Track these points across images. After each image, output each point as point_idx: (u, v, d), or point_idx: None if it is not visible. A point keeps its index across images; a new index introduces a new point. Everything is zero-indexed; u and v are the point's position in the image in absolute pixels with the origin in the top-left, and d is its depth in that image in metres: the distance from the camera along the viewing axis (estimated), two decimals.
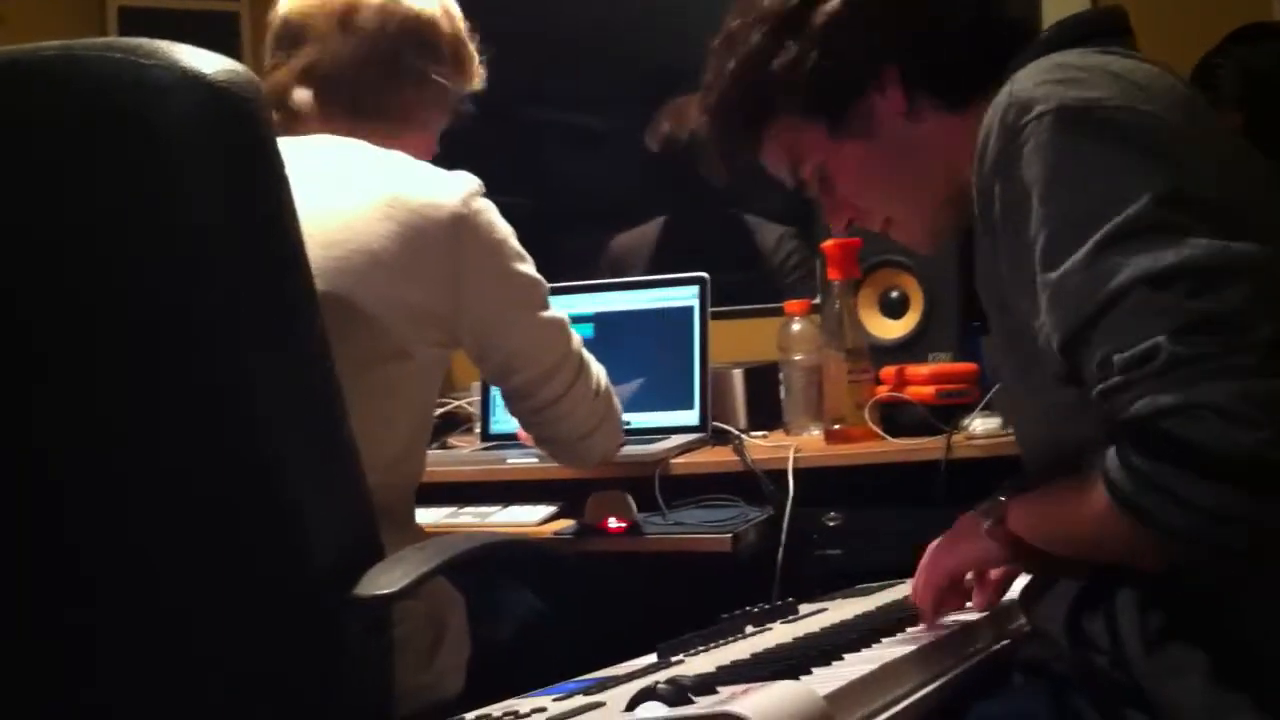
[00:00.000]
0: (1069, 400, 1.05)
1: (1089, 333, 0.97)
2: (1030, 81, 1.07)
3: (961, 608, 1.30)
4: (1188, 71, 2.12)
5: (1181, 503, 0.91)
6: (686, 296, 2.15)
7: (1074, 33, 1.19)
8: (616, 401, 1.73)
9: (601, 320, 2.19)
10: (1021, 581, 1.28)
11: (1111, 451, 0.96)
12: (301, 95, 1.56)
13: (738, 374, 2.18)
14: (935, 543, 1.29)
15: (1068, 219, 1.00)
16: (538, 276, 1.58)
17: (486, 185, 1.54)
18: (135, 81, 1.11)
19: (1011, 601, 1.30)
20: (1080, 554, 1.08)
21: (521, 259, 1.56)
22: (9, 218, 1.17)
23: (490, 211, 1.52)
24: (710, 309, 2.14)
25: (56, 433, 1.20)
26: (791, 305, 2.11)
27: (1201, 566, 0.99)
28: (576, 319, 2.13)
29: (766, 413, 2.15)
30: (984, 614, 1.29)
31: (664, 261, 2.79)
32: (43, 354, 1.19)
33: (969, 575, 1.31)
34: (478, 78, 1.70)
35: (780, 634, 1.24)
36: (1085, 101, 1.03)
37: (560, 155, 3.29)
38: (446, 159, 1.62)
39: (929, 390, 1.93)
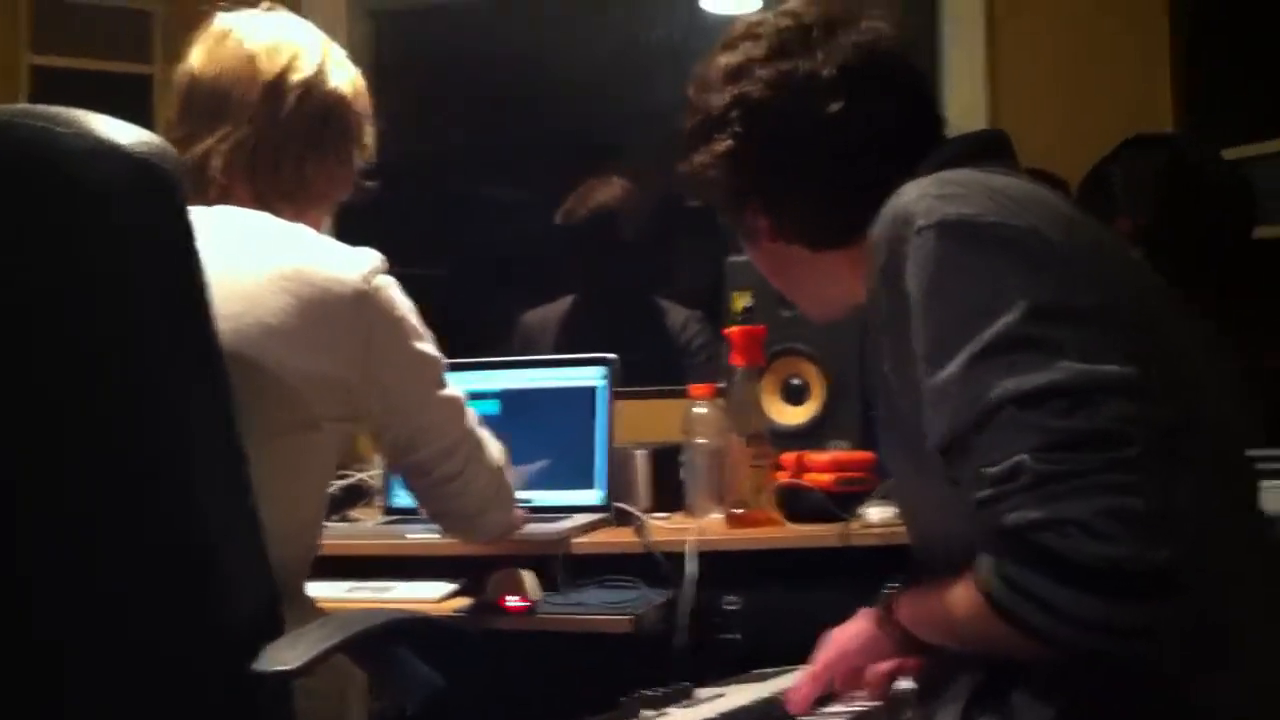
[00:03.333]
0: (953, 496, 1.09)
1: (964, 443, 1.02)
2: (913, 196, 1.13)
3: (855, 696, 1.33)
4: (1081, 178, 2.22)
5: (1048, 608, 0.97)
6: (593, 376, 2.18)
7: (958, 152, 1.25)
8: (513, 478, 1.75)
9: (508, 397, 2.20)
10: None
11: (985, 558, 1.02)
12: (215, 166, 1.56)
13: (642, 455, 2.20)
14: (832, 631, 1.32)
15: (945, 329, 1.05)
16: (437, 354, 1.59)
17: (399, 256, 1.55)
18: (52, 150, 1.11)
19: (907, 692, 1.32)
20: (963, 646, 1.12)
21: (421, 336, 1.57)
22: None
23: (392, 288, 1.52)
24: (616, 389, 2.16)
25: None
26: (696, 388, 2.14)
27: (1081, 664, 1.03)
28: (483, 395, 2.16)
29: (669, 494, 2.17)
30: (877, 704, 1.31)
31: (572, 339, 2.82)
32: None
33: (869, 666, 1.33)
34: (373, 149, 1.72)
35: (676, 718, 1.25)
36: (962, 217, 1.08)
37: (475, 229, 3.32)
38: (355, 229, 1.63)
39: (828, 477, 1.97)
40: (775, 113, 1.29)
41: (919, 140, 1.28)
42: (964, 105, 2.87)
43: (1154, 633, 0.96)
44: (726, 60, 1.33)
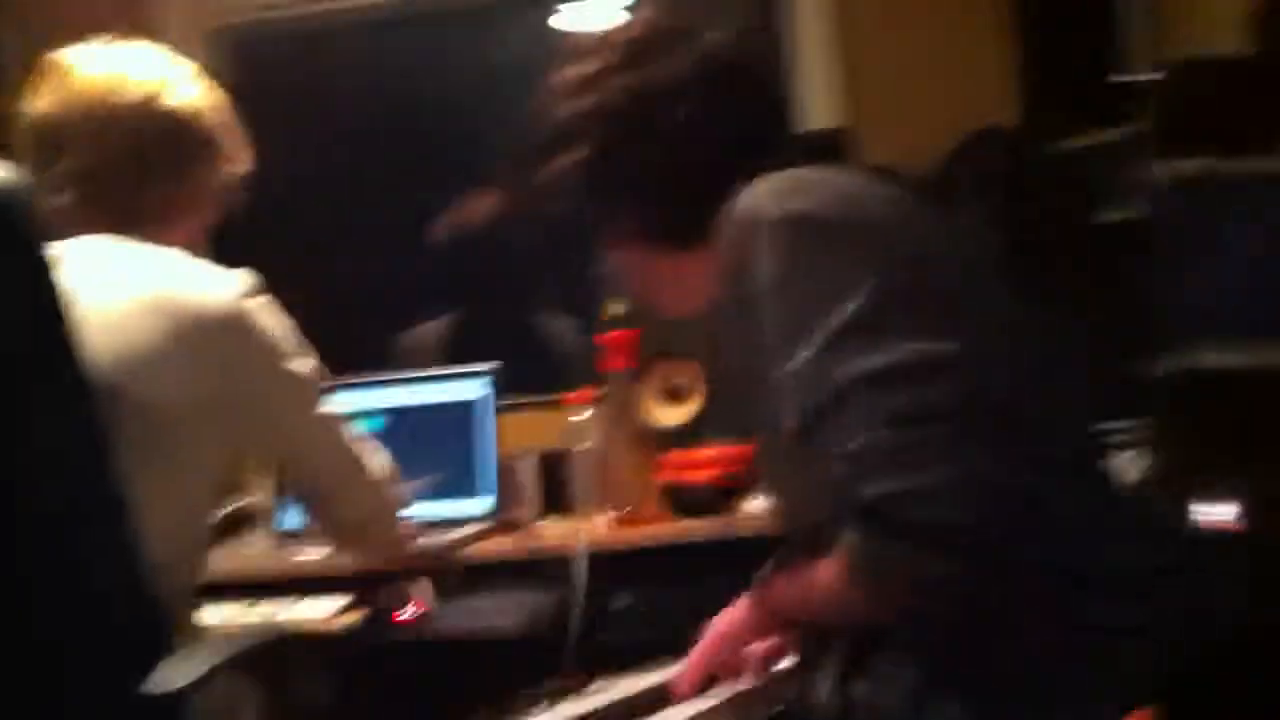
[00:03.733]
0: (811, 477, 1.14)
1: (819, 424, 1.08)
2: (758, 194, 1.18)
3: (738, 678, 1.38)
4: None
5: (907, 575, 1.04)
6: (476, 388, 2.20)
7: (800, 151, 1.31)
8: (398, 492, 1.76)
9: (393, 414, 2.22)
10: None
11: (847, 532, 1.07)
12: (66, 200, 1.55)
13: (529, 463, 2.23)
14: (714, 619, 1.37)
15: (793, 319, 1.11)
16: (311, 374, 1.59)
17: (277, 278, 1.56)
18: None
19: (785, 671, 1.38)
20: (833, 619, 1.18)
21: (296, 357, 1.57)
22: None
23: (264, 310, 1.52)
24: (500, 400, 2.19)
25: None
26: (576, 395, 2.18)
27: (938, 625, 1.10)
28: (367, 413, 2.17)
29: (557, 500, 2.21)
30: (757, 685, 1.36)
31: (454, 354, 2.84)
32: None
33: (747, 649, 1.38)
34: (245, 162, 1.71)
35: (567, 710, 1.29)
36: (804, 212, 1.14)
37: (353, 249, 3.32)
38: (234, 249, 1.62)
39: (711, 472, 2.02)
40: (629, 118, 1.33)
41: (770, 141, 1.34)
42: (819, 105, 2.95)
43: (997, 589, 1.03)
44: (579, 71, 1.37)
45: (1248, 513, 0.91)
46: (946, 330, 1.08)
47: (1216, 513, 0.90)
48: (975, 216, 2.13)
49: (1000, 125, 2.47)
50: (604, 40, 1.38)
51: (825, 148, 1.34)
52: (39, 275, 1.16)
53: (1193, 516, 1.08)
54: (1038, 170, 2.20)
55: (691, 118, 1.31)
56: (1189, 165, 0.41)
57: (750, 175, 1.24)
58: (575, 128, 1.35)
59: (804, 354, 1.09)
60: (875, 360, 1.06)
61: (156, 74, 1.61)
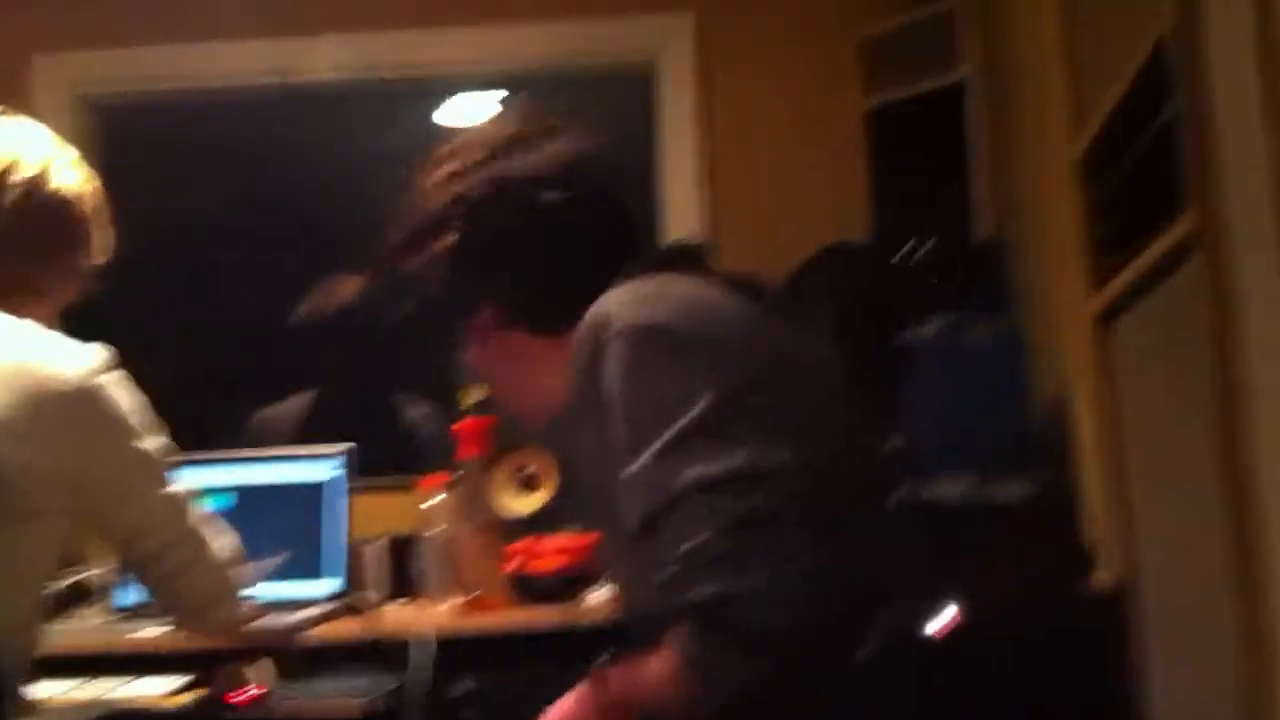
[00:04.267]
0: (651, 573, 1.21)
1: (655, 524, 1.16)
2: (611, 302, 1.27)
3: None
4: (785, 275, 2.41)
5: (730, 671, 1.10)
6: (330, 468, 2.22)
7: (658, 258, 1.40)
8: (241, 572, 1.76)
9: (244, 492, 2.22)
10: None
11: (678, 630, 1.14)
12: None
13: (378, 545, 2.25)
14: (549, 708, 1.41)
15: (637, 424, 1.19)
16: (161, 451, 1.60)
17: (134, 348, 1.57)
18: None
19: None
20: (668, 709, 1.24)
21: (146, 434, 1.58)
22: None
23: (116, 385, 1.54)
24: (353, 482, 2.21)
25: None
26: (428, 480, 2.21)
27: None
28: (218, 490, 2.17)
29: (405, 583, 2.23)
30: None
31: (310, 434, 2.84)
32: None
33: None
34: (110, 250, 1.73)
35: None
36: (652, 322, 1.23)
37: (209, 326, 3.30)
38: (92, 322, 1.63)
39: (558, 561, 2.07)
40: (492, 208, 1.41)
41: (624, 240, 1.43)
42: (680, 211, 3.07)
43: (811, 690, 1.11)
44: (447, 166, 1.45)
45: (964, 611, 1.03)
46: (776, 438, 1.16)
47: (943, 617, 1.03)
48: (821, 326, 2.24)
49: (850, 241, 2.61)
50: (472, 137, 1.46)
51: (681, 256, 1.43)
52: None
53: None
54: (880, 284, 2.32)
55: (552, 207, 1.40)
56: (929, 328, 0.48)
57: (608, 272, 1.33)
58: (443, 216, 1.42)
59: (644, 458, 1.16)
60: (708, 468, 1.13)
61: (43, 155, 1.63)
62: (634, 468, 1.17)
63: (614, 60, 3.22)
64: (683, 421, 1.16)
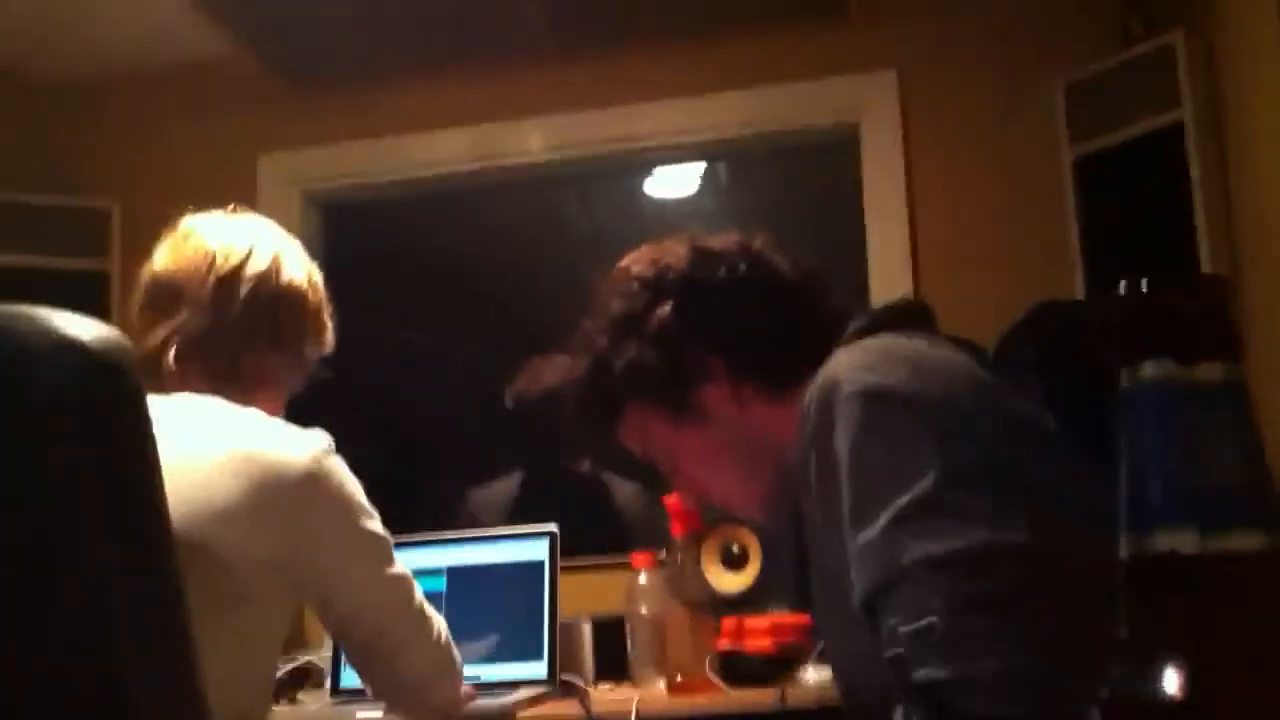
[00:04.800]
0: (876, 649, 1.16)
1: (881, 601, 1.11)
2: (842, 364, 1.23)
3: None
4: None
5: None
6: (537, 549, 2.23)
7: (884, 321, 1.36)
8: (456, 653, 1.78)
9: (454, 573, 2.25)
10: None
11: (899, 710, 1.09)
12: (170, 355, 1.62)
13: (586, 626, 2.25)
14: None
15: (866, 493, 1.14)
16: (383, 533, 1.64)
17: (348, 435, 1.62)
18: (13, 347, 1.17)
19: None
20: None
21: (368, 515, 1.62)
22: None
23: (339, 469, 1.58)
24: (561, 562, 2.22)
25: None
26: (637, 559, 2.20)
27: None
28: (429, 572, 2.20)
29: (614, 664, 2.21)
30: None
31: (520, 514, 2.87)
32: None
33: None
34: (330, 343, 1.80)
35: None
36: (883, 386, 1.18)
37: (423, 409, 3.39)
38: (310, 409, 1.69)
39: (767, 642, 2.02)
40: (700, 275, 1.42)
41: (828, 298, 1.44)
42: (886, 272, 3.01)
43: None
44: (643, 251, 1.46)
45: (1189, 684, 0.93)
46: (1011, 511, 1.10)
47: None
48: (1036, 391, 2.14)
49: (1063, 299, 2.51)
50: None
51: (909, 316, 1.40)
52: (136, 435, 1.22)
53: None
54: (1097, 341, 2.21)
55: (749, 272, 1.42)
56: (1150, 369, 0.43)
57: (828, 326, 1.31)
58: (655, 285, 1.42)
59: (874, 529, 1.11)
60: (937, 546, 1.08)
61: (274, 248, 1.71)
62: (860, 540, 1.12)
63: (817, 124, 3.21)
64: (914, 492, 1.11)
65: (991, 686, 1.02)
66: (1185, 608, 0.53)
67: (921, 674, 1.05)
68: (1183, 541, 0.52)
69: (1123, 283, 0.56)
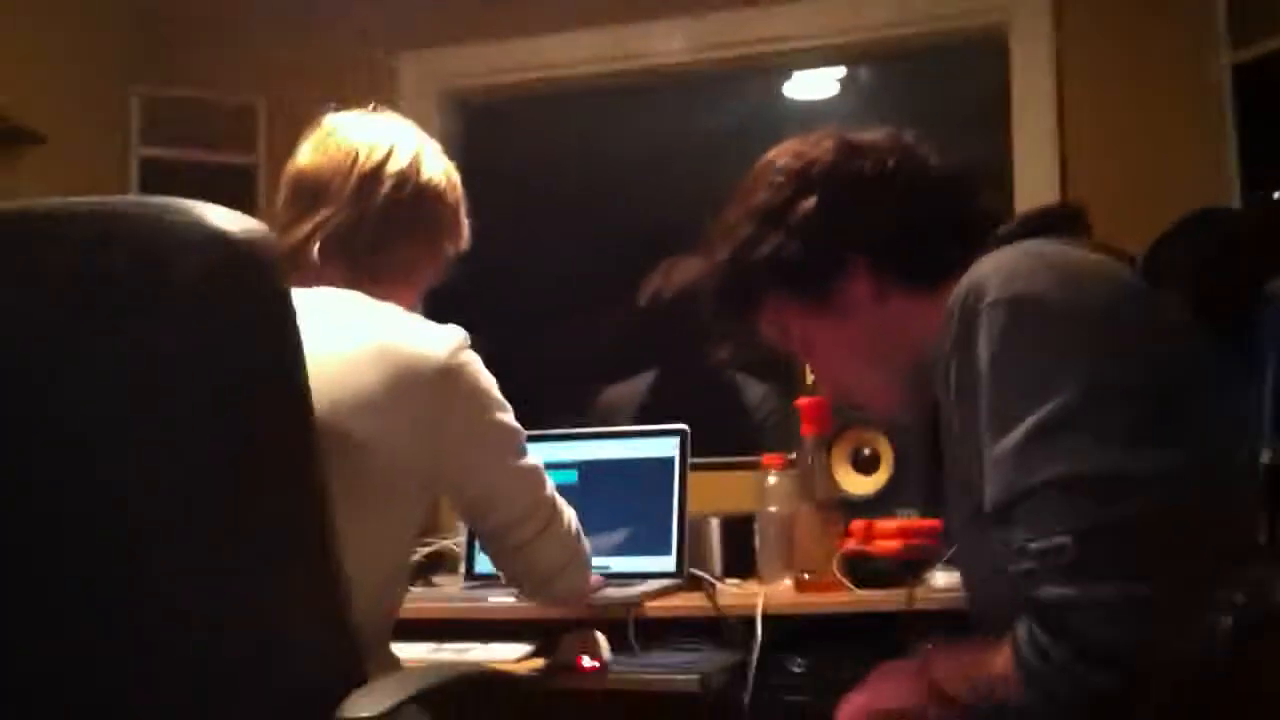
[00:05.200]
0: (1004, 556, 1.15)
1: (1011, 513, 1.10)
2: (988, 270, 1.20)
3: None
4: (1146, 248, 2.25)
5: (1066, 677, 1.05)
6: (667, 447, 2.26)
7: (1035, 225, 1.33)
8: (586, 545, 1.82)
9: (585, 467, 2.29)
10: None
11: (1021, 624, 1.09)
12: (313, 250, 1.67)
13: (715, 523, 2.27)
14: (855, 689, 1.38)
15: (1005, 403, 1.13)
16: (516, 425, 1.68)
17: (486, 334, 1.65)
18: (165, 238, 1.22)
19: None
20: (985, 702, 1.18)
21: (502, 408, 1.65)
22: (37, 359, 1.27)
23: (475, 364, 1.62)
24: (691, 460, 2.24)
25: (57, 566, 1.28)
26: (768, 459, 2.20)
27: None
28: (562, 465, 2.24)
29: (741, 561, 2.23)
30: None
31: (652, 413, 2.90)
32: (58, 489, 1.27)
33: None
34: (467, 239, 1.83)
35: None
36: (1030, 294, 1.16)
37: (559, 307, 3.43)
38: (446, 305, 1.73)
39: (895, 544, 2.02)
40: (846, 169, 1.41)
41: (976, 196, 1.43)
42: (1034, 182, 2.93)
43: (1154, 704, 1.03)
44: (786, 144, 1.45)
45: None
46: (1153, 432, 1.08)
47: None
48: (1190, 301, 2.07)
49: (1218, 208, 2.42)
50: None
51: (1062, 221, 1.36)
52: (279, 321, 1.26)
53: None
54: (1251, 248, 2.13)
55: (897, 167, 1.41)
56: None
57: (977, 225, 1.28)
58: (800, 179, 1.41)
59: (1010, 441, 1.11)
60: (1071, 466, 1.07)
61: (414, 146, 1.74)
62: (995, 451, 1.12)
63: (964, 26, 3.11)
64: (1052, 406, 1.10)
65: (1114, 611, 1.03)
66: None
67: (1046, 592, 1.06)
68: None
69: (1267, 187, 0.54)
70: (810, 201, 1.41)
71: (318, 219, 1.68)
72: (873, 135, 1.45)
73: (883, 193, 1.40)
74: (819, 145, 1.44)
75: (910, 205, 1.40)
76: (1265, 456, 0.50)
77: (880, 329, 1.42)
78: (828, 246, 1.40)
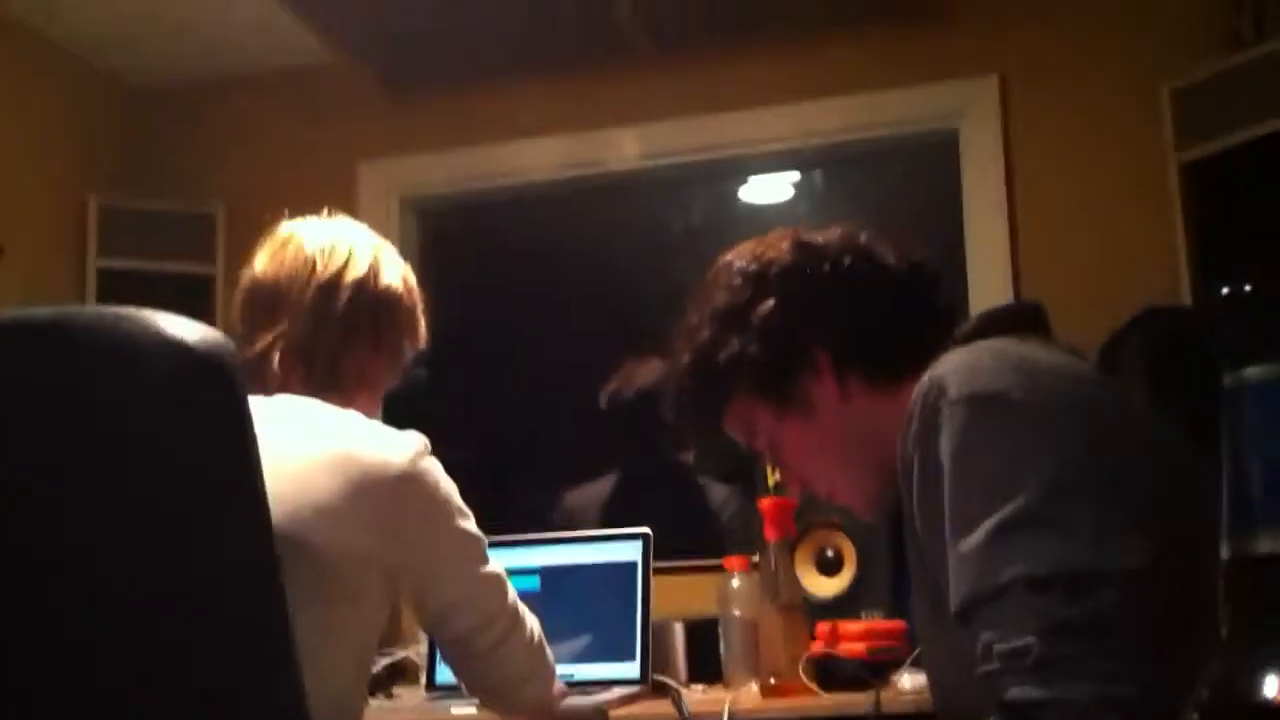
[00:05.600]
0: (970, 656, 1.14)
1: (977, 614, 1.09)
2: (949, 367, 1.21)
3: None
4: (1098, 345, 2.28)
5: None
6: (630, 551, 2.24)
7: (995, 324, 1.34)
8: (549, 653, 1.79)
9: (547, 573, 2.26)
10: None
11: None
12: (274, 360, 1.66)
13: (679, 627, 2.25)
14: None
15: (968, 501, 1.13)
16: (478, 532, 1.66)
17: (443, 436, 1.64)
18: (123, 348, 1.21)
19: None
20: None
21: (463, 515, 1.64)
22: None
23: (435, 470, 1.60)
24: (654, 564, 2.22)
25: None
26: (731, 561, 2.19)
27: None
28: (523, 571, 2.22)
29: (707, 666, 2.21)
30: None
31: (614, 516, 2.89)
32: (41, 588, 1.24)
33: None
34: (424, 340, 1.82)
35: None
36: (990, 392, 1.16)
37: (516, 413, 3.43)
38: (406, 410, 1.72)
39: (861, 646, 2.00)
40: (803, 268, 1.43)
41: (934, 295, 1.44)
42: (987, 281, 2.97)
43: None
44: (744, 246, 1.46)
45: None
46: (1118, 527, 1.08)
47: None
48: (1146, 397, 2.09)
49: (1170, 305, 2.46)
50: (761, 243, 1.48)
51: (1022, 319, 1.38)
52: (237, 431, 1.25)
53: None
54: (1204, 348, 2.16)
55: (854, 265, 1.42)
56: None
57: (934, 323, 1.29)
58: (758, 281, 1.42)
59: (974, 539, 1.10)
60: (1034, 565, 1.06)
61: (370, 252, 1.74)
62: (959, 551, 1.11)
63: (916, 130, 3.18)
64: (1014, 505, 1.09)
65: (1084, 712, 1.01)
66: None
67: (1014, 693, 1.04)
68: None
69: (1224, 282, 0.55)
70: (769, 302, 1.42)
71: (277, 330, 1.67)
72: (828, 234, 1.46)
73: (840, 291, 1.42)
74: (776, 246, 1.46)
75: (868, 303, 1.41)
76: (1224, 551, 0.50)
77: (846, 427, 1.42)
78: (789, 346, 1.41)
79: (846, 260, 1.42)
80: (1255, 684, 0.50)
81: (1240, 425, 0.53)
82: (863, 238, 1.46)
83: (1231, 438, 0.53)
